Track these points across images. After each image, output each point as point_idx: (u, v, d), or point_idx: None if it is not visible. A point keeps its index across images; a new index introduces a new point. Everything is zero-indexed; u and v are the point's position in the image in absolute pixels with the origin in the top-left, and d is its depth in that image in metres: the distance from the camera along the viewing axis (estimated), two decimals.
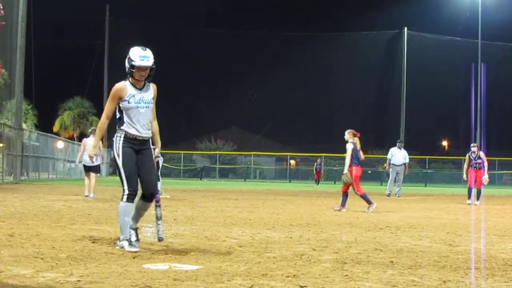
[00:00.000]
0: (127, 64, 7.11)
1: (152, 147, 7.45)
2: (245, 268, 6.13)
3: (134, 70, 7.08)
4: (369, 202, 15.43)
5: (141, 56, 7.08)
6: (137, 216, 7.45)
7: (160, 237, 7.29)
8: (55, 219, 10.96)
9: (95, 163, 19.56)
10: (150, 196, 7.30)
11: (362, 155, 15.81)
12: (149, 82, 7.31)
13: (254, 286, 5.25)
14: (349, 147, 15.45)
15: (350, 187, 15.74)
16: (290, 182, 56.34)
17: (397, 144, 26.13)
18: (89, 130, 20.95)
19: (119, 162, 7.17)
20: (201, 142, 77.01)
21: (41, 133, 42.46)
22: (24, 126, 40.94)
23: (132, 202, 7.23)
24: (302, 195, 24.79)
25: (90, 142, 19.67)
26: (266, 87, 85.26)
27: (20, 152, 34.03)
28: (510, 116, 73.27)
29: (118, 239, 7.34)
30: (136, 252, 6.95)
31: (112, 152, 7.38)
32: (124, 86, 7.12)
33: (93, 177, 19.41)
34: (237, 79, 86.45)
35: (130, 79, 7.16)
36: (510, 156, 59.92)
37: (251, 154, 67.97)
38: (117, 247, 7.18)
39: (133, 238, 7.26)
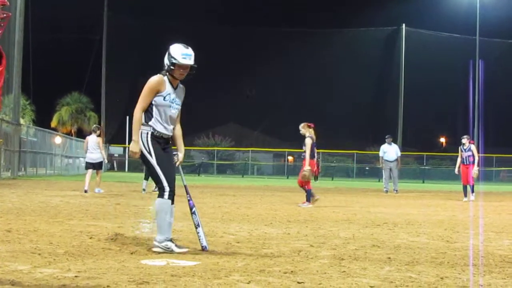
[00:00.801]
0: (167, 61, 6.83)
1: (174, 152, 7.19)
2: (243, 264, 6.14)
3: (174, 68, 6.81)
4: (308, 199, 15.61)
5: (183, 54, 6.81)
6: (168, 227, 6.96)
7: (204, 246, 6.98)
8: (53, 214, 10.95)
9: (97, 160, 19.69)
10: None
11: (315, 150, 16.02)
12: (182, 83, 7.08)
13: (251, 282, 5.25)
14: (308, 142, 15.55)
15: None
16: (287, 178, 56.35)
17: (386, 140, 25.83)
18: (92, 128, 21.01)
19: (153, 160, 6.78)
20: (199, 138, 76.97)
21: (39, 128, 42.41)
22: (21, 121, 40.87)
23: (172, 200, 6.90)
24: (300, 191, 24.76)
25: (91, 139, 19.79)
26: (264, 83, 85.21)
27: (18, 147, 34.01)
28: (507, 113, 73.30)
29: (155, 239, 6.87)
30: (185, 252, 6.72)
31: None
32: (163, 81, 6.85)
33: (98, 174, 19.59)
34: (235, 75, 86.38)
35: (168, 76, 6.89)
36: (507, 153, 59.97)
37: (249, 150, 67.98)
38: (159, 249, 6.73)
39: (175, 249, 6.79)
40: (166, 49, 6.95)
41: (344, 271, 5.88)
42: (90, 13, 67.39)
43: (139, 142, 6.84)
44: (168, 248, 6.69)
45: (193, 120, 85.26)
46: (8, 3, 5.15)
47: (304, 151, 15.73)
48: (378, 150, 26.29)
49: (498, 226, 10.98)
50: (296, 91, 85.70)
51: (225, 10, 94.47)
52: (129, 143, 7.33)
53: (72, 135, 60.36)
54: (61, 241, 7.39)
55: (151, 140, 6.81)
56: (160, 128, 6.84)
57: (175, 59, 6.80)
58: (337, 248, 7.52)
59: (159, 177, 6.83)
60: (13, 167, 33.12)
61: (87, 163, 19.88)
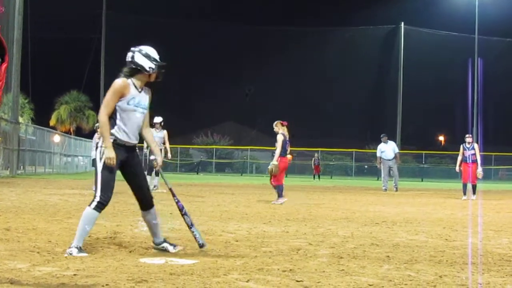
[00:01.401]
0: (150, 64, 6.65)
1: (152, 157, 7.02)
2: (242, 263, 6.14)
3: (156, 70, 6.69)
4: (279, 195, 15.54)
5: (157, 54, 6.76)
6: (154, 228, 6.92)
7: (200, 243, 6.94)
8: (52, 213, 10.96)
9: (92, 157, 19.97)
10: (148, 204, 6.87)
11: (288, 147, 16.07)
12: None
13: (250, 281, 5.25)
14: (280, 138, 15.66)
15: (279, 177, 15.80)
16: (286, 176, 56.31)
17: (382, 139, 25.73)
18: (95, 127, 21.36)
19: (99, 166, 6.60)
20: (197, 137, 77.07)
21: (37, 127, 42.40)
22: (20, 120, 40.89)
23: (100, 212, 6.57)
24: (298, 190, 24.81)
25: (94, 137, 20.10)
26: (263, 82, 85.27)
27: (17, 146, 34.01)
28: (506, 112, 73.37)
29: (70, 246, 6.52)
30: (86, 256, 6.36)
31: (95, 153, 6.79)
32: (128, 84, 6.62)
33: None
34: (234, 74, 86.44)
35: (133, 79, 6.68)
36: (506, 151, 60.03)
37: (247, 148, 68.01)
38: (66, 255, 6.35)
39: (171, 249, 6.80)
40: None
41: (343, 270, 5.88)
42: (89, 12, 67.45)
43: (98, 149, 6.63)
44: (71, 254, 6.32)
45: (192, 119, 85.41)
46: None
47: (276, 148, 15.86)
48: (377, 149, 26.22)
49: (497, 224, 10.98)
50: (295, 90, 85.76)
51: (224, 8, 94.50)
52: None
53: (71, 134, 60.38)
54: (60, 240, 7.39)
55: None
56: (122, 137, 6.60)
57: (157, 60, 6.72)
58: (335, 246, 7.52)
59: (97, 184, 6.62)
60: (12, 165, 33.12)
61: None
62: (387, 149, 25.40)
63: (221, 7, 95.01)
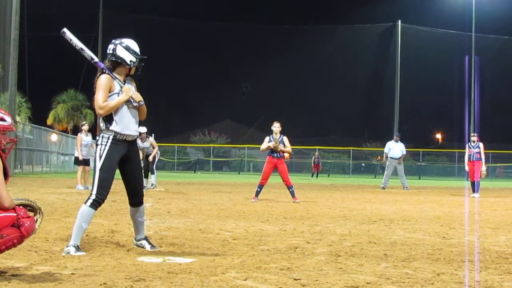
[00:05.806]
0: (130, 57, 6.60)
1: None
2: (239, 261, 6.14)
3: (137, 63, 6.65)
4: (256, 194, 16.33)
5: (138, 47, 6.71)
6: (139, 226, 6.89)
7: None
8: (49, 212, 10.94)
9: (87, 157, 19.92)
10: (139, 202, 6.85)
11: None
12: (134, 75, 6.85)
13: (248, 279, 5.25)
14: (266, 139, 16.45)
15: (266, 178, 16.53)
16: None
17: (395, 137, 25.80)
18: (81, 125, 21.24)
19: (98, 164, 6.51)
20: (195, 135, 76.99)
21: (35, 126, 42.35)
22: (17, 119, 40.81)
23: (96, 209, 6.55)
24: (296, 188, 24.73)
25: (80, 137, 20.08)
26: (261, 80, 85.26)
27: (14, 145, 33.97)
28: (503, 109, 73.42)
29: (67, 245, 6.51)
30: (83, 254, 6.35)
31: (95, 152, 6.75)
32: (112, 79, 6.58)
33: (87, 170, 19.73)
34: (231, 72, 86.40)
35: (114, 74, 6.61)
36: (503, 149, 60.08)
37: (245, 147, 67.97)
38: (63, 254, 6.32)
39: (148, 247, 6.78)
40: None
41: (341, 268, 5.89)
42: (86, 10, 67.37)
43: (97, 147, 6.59)
44: (68, 253, 6.30)
45: (189, 117, 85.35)
46: (15, 129, 5.17)
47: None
48: (374, 147, 26.30)
49: (494, 222, 10.99)
50: (292, 88, 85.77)
51: (222, 7, 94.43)
52: None
53: (68, 133, 60.25)
54: (58, 239, 7.39)
55: (110, 145, 6.53)
56: (122, 130, 6.55)
57: (137, 53, 6.67)
58: (333, 244, 7.52)
59: (94, 183, 6.59)
60: (9, 164, 33.07)
61: (80, 159, 20.23)
62: (395, 148, 25.28)
63: (219, 6, 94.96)
